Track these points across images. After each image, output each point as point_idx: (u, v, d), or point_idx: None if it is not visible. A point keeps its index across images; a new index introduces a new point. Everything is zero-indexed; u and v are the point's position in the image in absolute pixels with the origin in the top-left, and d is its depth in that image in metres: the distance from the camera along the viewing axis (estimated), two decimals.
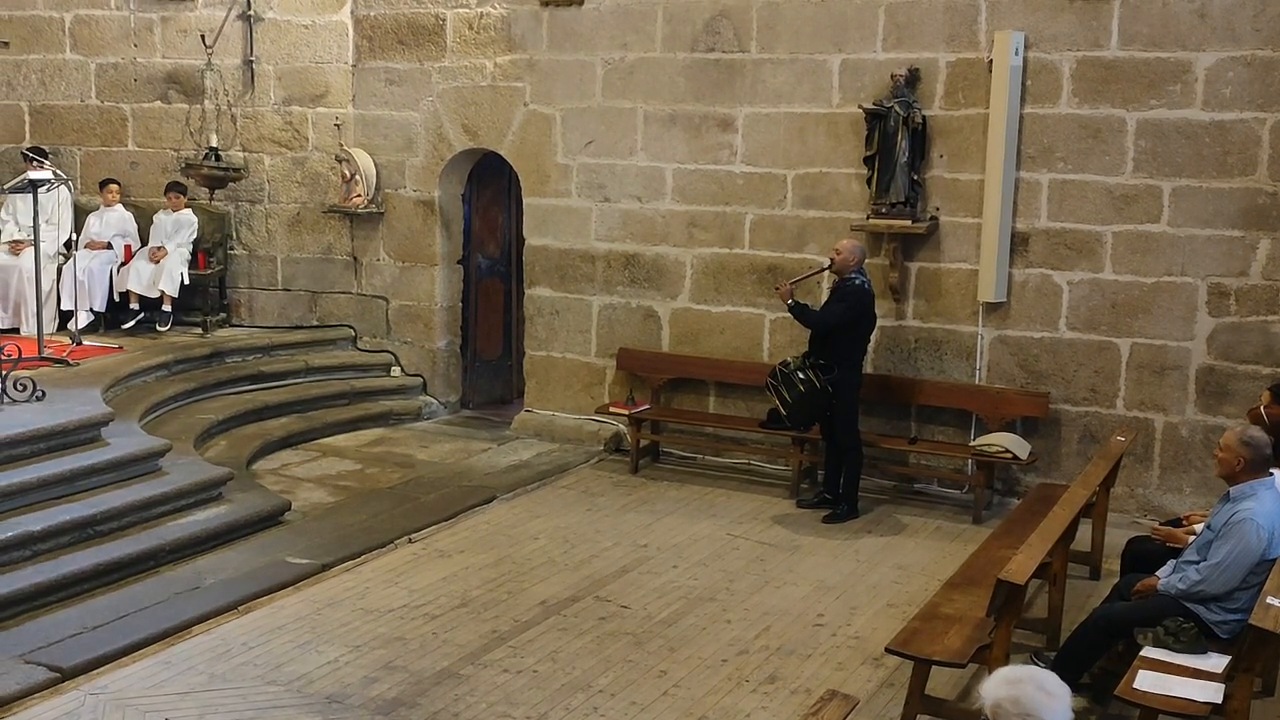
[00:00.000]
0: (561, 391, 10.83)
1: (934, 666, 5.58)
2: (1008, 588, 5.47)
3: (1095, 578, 7.64)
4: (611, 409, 10.20)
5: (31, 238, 10.12)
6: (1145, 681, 5.23)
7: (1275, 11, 8.32)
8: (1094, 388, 9.03)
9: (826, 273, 9.07)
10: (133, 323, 11.19)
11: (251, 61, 11.42)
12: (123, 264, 11.22)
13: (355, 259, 11.60)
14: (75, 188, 11.42)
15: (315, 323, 11.73)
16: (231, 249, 11.68)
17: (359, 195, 11.26)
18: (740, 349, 10.07)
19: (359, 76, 11.34)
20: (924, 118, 9.18)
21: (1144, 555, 6.53)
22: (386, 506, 8.84)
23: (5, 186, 10.24)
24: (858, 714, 4.65)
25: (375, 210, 11.34)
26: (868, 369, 9.20)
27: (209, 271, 11.37)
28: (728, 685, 6.26)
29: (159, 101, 11.66)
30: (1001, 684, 3.32)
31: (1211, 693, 5.17)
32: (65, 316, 10.94)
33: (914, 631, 5.74)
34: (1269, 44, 8.35)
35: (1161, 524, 6.86)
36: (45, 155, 11.07)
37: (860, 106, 9.32)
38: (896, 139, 9.12)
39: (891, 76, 9.23)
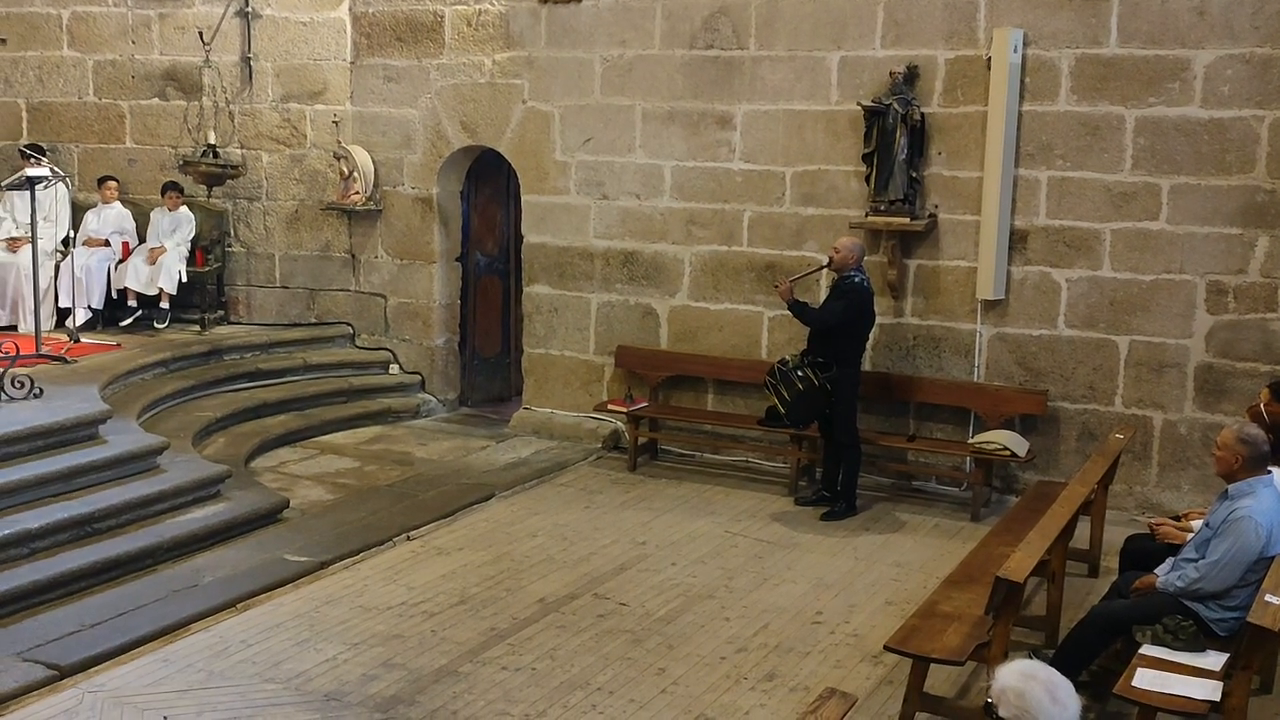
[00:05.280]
0: (560, 389, 10.82)
1: (932, 664, 5.57)
2: (1006, 585, 5.46)
3: (1094, 575, 7.64)
4: (610, 406, 10.21)
5: (29, 235, 10.10)
6: (1144, 679, 5.24)
7: (1274, 9, 8.32)
8: (1092, 385, 9.03)
9: (825, 270, 9.07)
10: (130, 320, 11.19)
11: (249, 58, 11.40)
12: (120, 261, 11.21)
13: (353, 256, 11.59)
14: (73, 185, 11.40)
15: (313, 320, 11.73)
16: (229, 246, 11.67)
17: (357, 192, 11.25)
18: (739, 347, 10.07)
19: (357, 73, 11.33)
20: (922, 115, 9.18)
21: (1142, 553, 6.52)
22: (385, 504, 8.84)
23: (3, 183, 10.25)
24: (856, 712, 4.65)
25: (373, 207, 11.33)
26: (866, 366, 9.20)
27: (207, 269, 11.36)
28: (726, 683, 6.25)
29: (157, 99, 11.65)
30: (1016, 674, 3.32)
31: (1210, 690, 5.18)
32: (63, 314, 10.93)
33: (912, 629, 5.73)
34: (1267, 41, 8.35)
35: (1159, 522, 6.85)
36: (43, 152, 11.07)
37: (859, 104, 9.32)
38: (895, 136, 9.12)
39: (890, 74, 9.23)
